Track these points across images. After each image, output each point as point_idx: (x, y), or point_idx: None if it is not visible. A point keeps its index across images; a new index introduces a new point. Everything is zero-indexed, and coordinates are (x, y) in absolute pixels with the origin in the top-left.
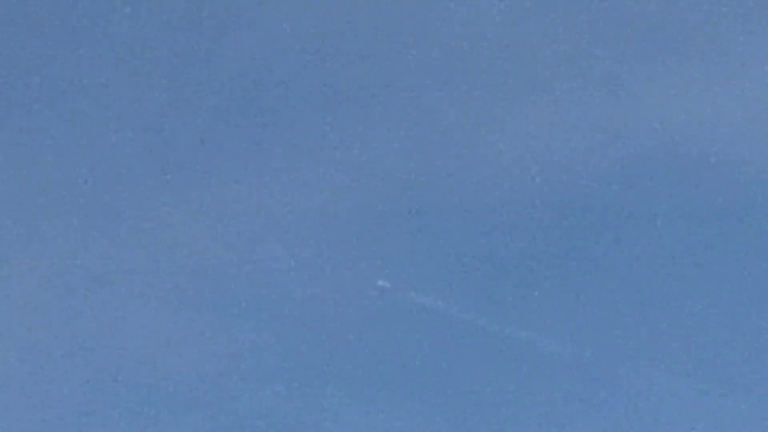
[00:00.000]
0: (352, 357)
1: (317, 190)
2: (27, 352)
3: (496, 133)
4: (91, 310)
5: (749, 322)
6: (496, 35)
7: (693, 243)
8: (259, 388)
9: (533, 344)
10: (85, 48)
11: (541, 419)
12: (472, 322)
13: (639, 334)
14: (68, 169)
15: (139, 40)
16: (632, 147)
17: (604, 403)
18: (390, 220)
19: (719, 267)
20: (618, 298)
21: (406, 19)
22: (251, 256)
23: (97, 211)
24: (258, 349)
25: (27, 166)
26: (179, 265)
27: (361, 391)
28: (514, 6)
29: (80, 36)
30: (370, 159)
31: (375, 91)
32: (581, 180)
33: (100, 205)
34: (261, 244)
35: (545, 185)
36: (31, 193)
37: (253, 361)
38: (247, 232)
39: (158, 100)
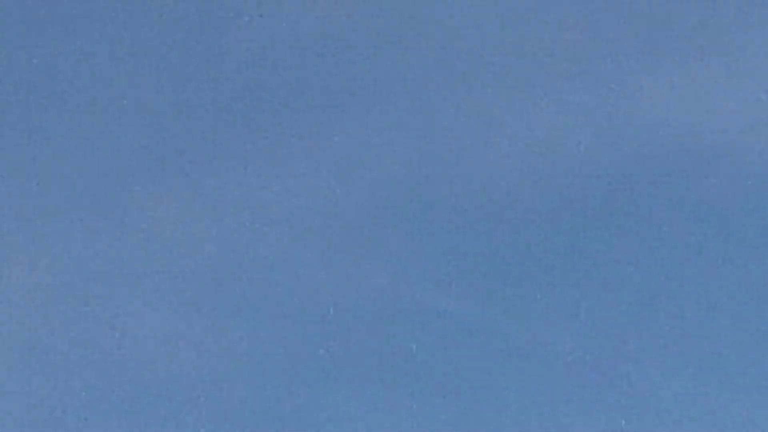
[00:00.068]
0: (352, 357)
1: (317, 190)
2: (27, 352)
3: (496, 133)
4: (91, 310)
5: (750, 322)
6: (496, 35)
7: (694, 243)
8: (259, 388)
9: (533, 344)
10: (84, 47)
11: (541, 419)
12: (472, 322)
13: (639, 334)
14: (67, 168)
15: (138, 40)
16: (632, 147)
17: (605, 403)
18: (390, 219)
19: (720, 267)
20: (618, 298)
21: (406, 19)
22: (251, 256)
23: (96, 211)
24: (258, 349)
25: (27, 166)
26: (179, 264)
27: (361, 391)
28: (514, 6)
29: (80, 36)
30: (370, 158)
31: (375, 91)
32: (581, 180)
33: (100, 204)
34: (261, 243)
35: (545, 185)
36: (31, 193)
37: (253, 361)
38: (247, 232)
39: (157, 100)
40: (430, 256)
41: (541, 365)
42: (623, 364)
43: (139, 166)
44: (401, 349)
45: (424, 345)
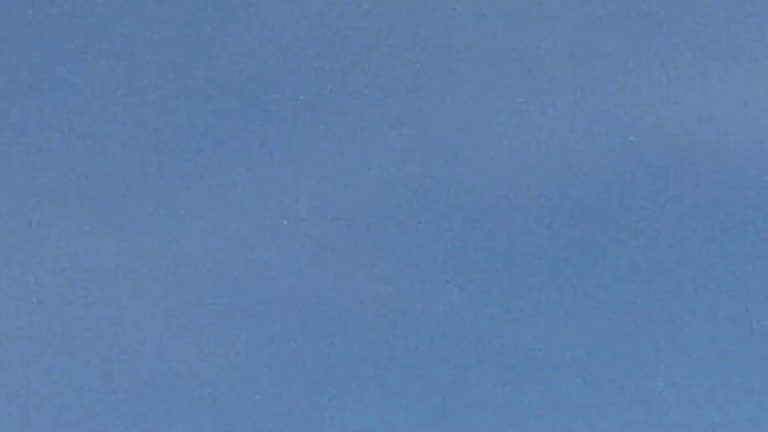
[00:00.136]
0: (352, 357)
1: (317, 190)
2: (27, 352)
3: (496, 133)
4: (91, 310)
5: (750, 322)
6: (495, 35)
7: (694, 243)
8: (258, 388)
9: (534, 344)
10: (84, 46)
11: (541, 419)
12: (472, 322)
13: (639, 334)
14: (67, 168)
15: (139, 40)
16: (633, 147)
17: (605, 403)
18: (390, 219)
19: (720, 267)
20: (618, 298)
21: (406, 19)
22: (251, 257)
23: (96, 211)
24: (258, 349)
25: (27, 166)
26: (179, 265)
27: (361, 392)
28: (513, 6)
29: (80, 34)
30: (370, 159)
31: (375, 91)
32: (582, 180)
33: (99, 204)
34: (261, 243)
35: (546, 185)
36: (31, 193)
37: (252, 362)
38: (247, 232)
39: (157, 101)
40: (431, 257)
41: (541, 365)
42: (623, 364)
43: (139, 166)
44: (401, 350)
45: (424, 345)
